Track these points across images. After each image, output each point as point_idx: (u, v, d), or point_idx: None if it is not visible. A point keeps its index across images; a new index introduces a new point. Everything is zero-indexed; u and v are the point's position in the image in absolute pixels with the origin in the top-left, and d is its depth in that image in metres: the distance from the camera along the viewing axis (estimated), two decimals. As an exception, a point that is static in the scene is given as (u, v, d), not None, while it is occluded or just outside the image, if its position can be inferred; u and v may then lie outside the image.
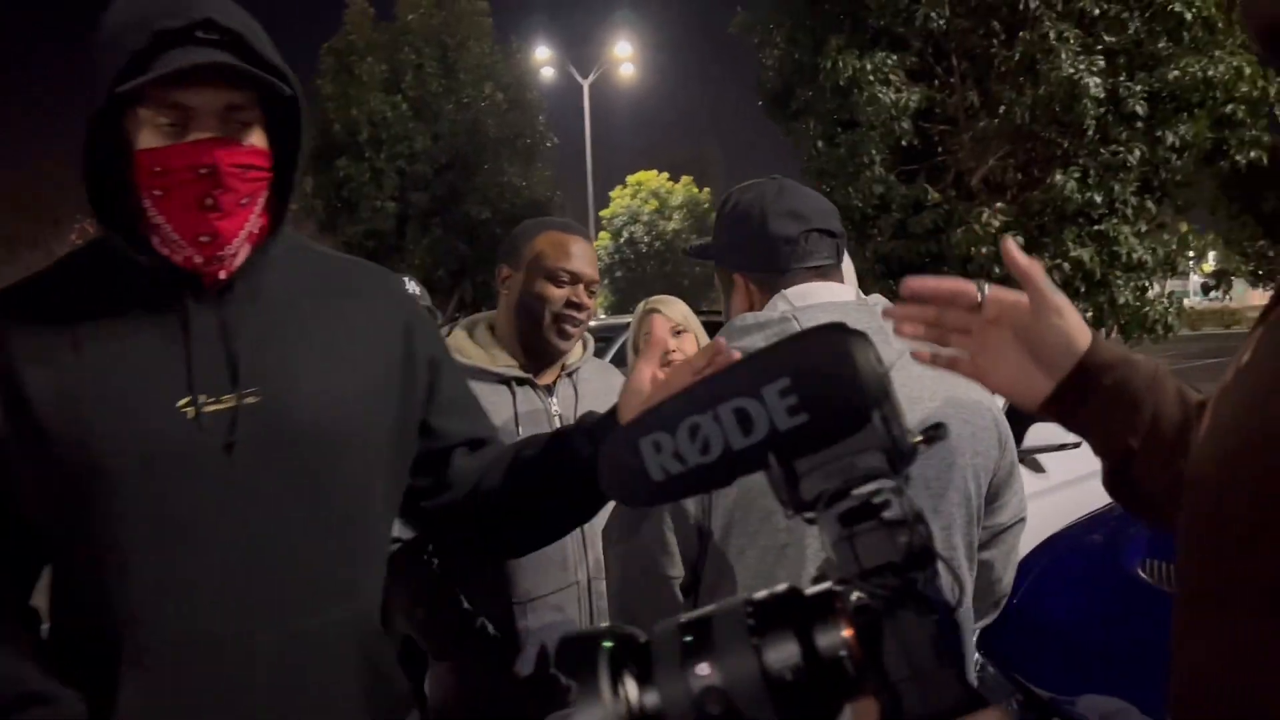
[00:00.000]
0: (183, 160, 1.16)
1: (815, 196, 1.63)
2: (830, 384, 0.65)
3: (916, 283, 1.13)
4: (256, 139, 1.22)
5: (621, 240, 34.62)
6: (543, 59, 23.17)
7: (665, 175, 35.73)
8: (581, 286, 2.08)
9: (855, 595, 0.61)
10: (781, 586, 0.64)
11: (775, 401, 0.66)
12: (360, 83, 20.02)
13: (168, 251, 1.21)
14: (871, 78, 11.94)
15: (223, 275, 1.23)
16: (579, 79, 23.21)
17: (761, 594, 0.64)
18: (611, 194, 35.30)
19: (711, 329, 3.75)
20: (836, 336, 0.67)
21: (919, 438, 0.67)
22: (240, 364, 1.21)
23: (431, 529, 1.55)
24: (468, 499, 1.42)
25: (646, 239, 34.45)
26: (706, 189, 35.73)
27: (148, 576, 1.15)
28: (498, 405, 2.03)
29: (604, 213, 34.05)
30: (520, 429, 2.03)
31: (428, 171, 20.35)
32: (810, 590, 0.63)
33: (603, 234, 34.09)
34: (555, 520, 1.47)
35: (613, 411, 1.36)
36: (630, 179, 35.69)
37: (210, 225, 1.18)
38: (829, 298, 1.56)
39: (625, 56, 24.18)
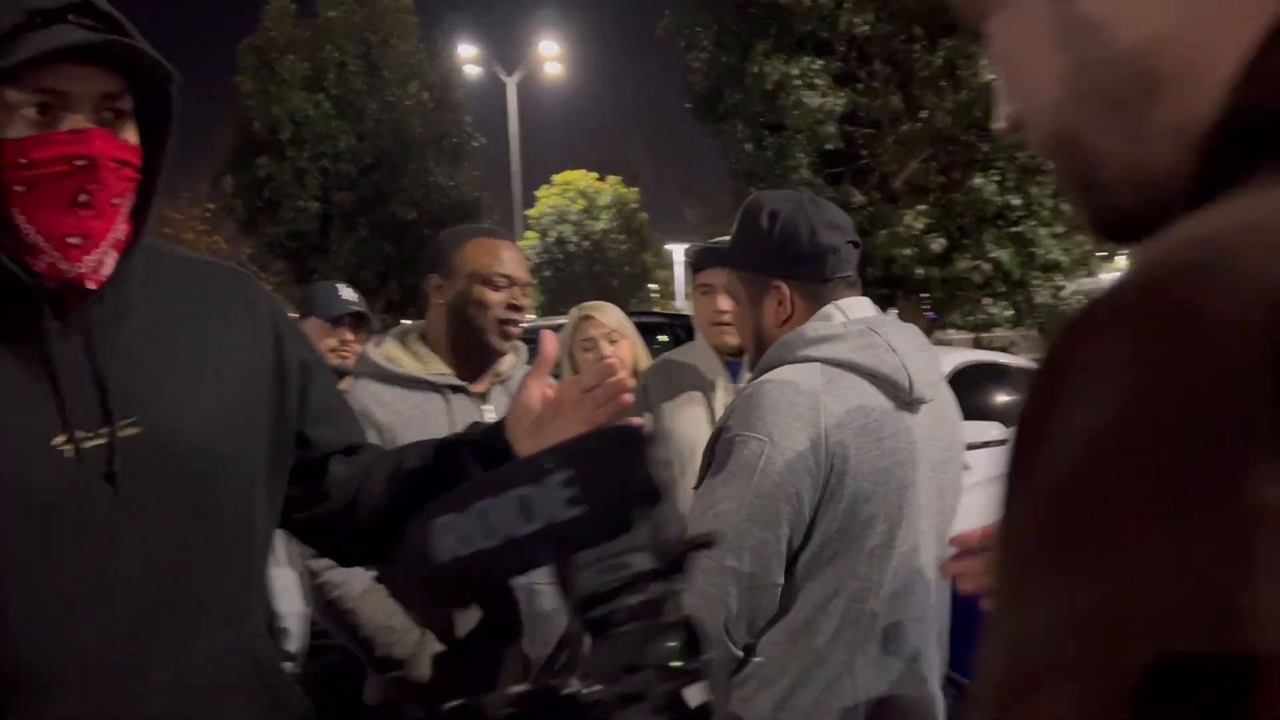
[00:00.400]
0: (57, 150, 1.06)
1: (838, 209, 1.73)
2: (608, 481, 0.69)
3: (965, 536, 1.20)
4: (130, 135, 1.14)
5: (550, 240, 34.45)
6: (467, 56, 22.95)
7: (593, 175, 35.66)
8: (517, 289, 2.11)
9: (590, 690, 0.63)
10: (546, 683, 0.66)
11: (557, 491, 0.69)
12: (281, 80, 19.59)
13: (30, 259, 1.09)
14: (797, 82, 12.13)
15: (91, 285, 1.13)
16: (504, 77, 23.05)
17: (521, 688, 0.66)
18: (538, 193, 35.09)
19: (643, 329, 3.76)
20: (626, 436, 0.71)
21: (689, 545, 0.70)
22: (116, 393, 1.13)
23: (311, 540, 1.50)
24: (348, 509, 1.37)
25: (575, 239, 34.34)
26: (635, 188, 35.77)
27: (33, 619, 1.08)
28: (432, 413, 2.02)
29: (531, 212, 33.84)
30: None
31: (352, 171, 20.00)
32: (566, 690, 0.65)
33: (530, 234, 33.89)
34: None
35: (500, 424, 1.34)
36: (557, 178, 35.43)
37: (82, 225, 1.09)
38: (872, 312, 1.67)
39: (551, 55, 24.06)
